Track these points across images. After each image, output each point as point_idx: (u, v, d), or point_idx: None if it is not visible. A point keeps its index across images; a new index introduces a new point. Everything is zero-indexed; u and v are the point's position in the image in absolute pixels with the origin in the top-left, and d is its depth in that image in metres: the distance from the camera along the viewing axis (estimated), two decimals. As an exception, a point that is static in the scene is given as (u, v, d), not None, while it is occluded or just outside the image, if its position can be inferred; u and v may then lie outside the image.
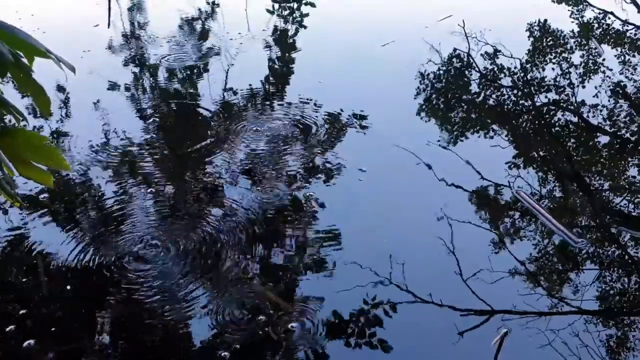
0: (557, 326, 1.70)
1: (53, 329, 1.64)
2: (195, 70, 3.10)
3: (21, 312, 1.67)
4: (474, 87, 3.05)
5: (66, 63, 0.77)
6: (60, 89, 2.81)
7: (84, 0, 4.01)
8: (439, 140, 2.56)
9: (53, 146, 0.69)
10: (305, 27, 3.79)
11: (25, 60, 0.76)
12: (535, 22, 3.81)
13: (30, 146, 0.68)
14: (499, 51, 3.36)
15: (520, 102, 2.99)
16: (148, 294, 1.73)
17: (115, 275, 1.79)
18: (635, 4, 4.25)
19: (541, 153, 2.59)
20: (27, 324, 1.64)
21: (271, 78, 3.09)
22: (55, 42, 3.12)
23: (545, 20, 3.85)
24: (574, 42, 3.62)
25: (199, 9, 3.93)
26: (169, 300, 1.71)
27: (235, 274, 1.81)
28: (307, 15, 3.98)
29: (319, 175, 2.28)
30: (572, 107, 2.91)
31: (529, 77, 3.20)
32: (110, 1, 3.78)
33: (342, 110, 2.71)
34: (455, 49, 3.36)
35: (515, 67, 3.24)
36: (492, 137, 2.64)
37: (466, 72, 3.21)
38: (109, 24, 3.54)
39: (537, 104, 2.94)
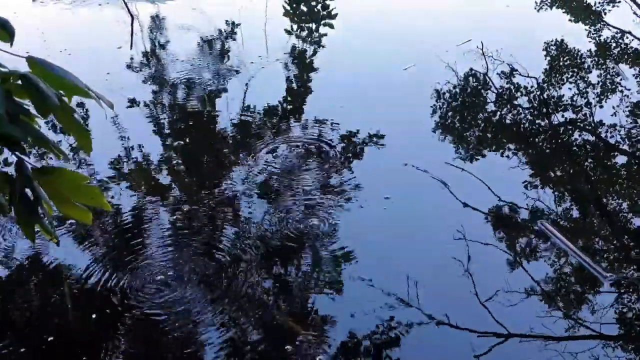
0: (575, 349, 1.70)
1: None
2: (213, 89, 3.16)
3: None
4: (492, 109, 3.07)
5: (105, 100, 0.82)
6: (79, 104, 2.86)
7: (107, 23, 4.09)
8: (456, 160, 2.58)
9: (94, 186, 0.73)
10: (323, 47, 3.83)
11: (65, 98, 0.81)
12: (552, 42, 3.83)
13: (72, 185, 0.72)
14: (515, 70, 3.38)
15: (539, 122, 2.99)
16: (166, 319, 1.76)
17: (133, 301, 1.83)
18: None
19: (560, 174, 2.59)
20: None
21: (289, 98, 3.13)
22: (81, 64, 3.23)
23: (562, 41, 3.87)
24: (592, 62, 3.63)
25: (219, 29, 4.00)
26: (187, 326, 1.74)
27: (251, 297, 1.83)
28: (325, 35, 4.02)
29: (336, 196, 2.30)
30: (590, 127, 2.91)
31: (545, 96, 3.21)
32: (133, 25, 3.86)
33: (359, 130, 2.74)
34: (473, 70, 3.38)
35: (532, 87, 3.26)
36: (509, 158, 2.65)
37: (484, 94, 3.23)
38: (131, 46, 3.61)
39: (555, 123, 2.95)
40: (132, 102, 2.97)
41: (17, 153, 0.69)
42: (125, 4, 3.90)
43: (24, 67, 0.77)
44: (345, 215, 2.17)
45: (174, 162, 2.50)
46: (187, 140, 2.69)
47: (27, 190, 0.72)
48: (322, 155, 2.57)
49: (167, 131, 2.78)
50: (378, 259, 2.01)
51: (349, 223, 2.14)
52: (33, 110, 0.74)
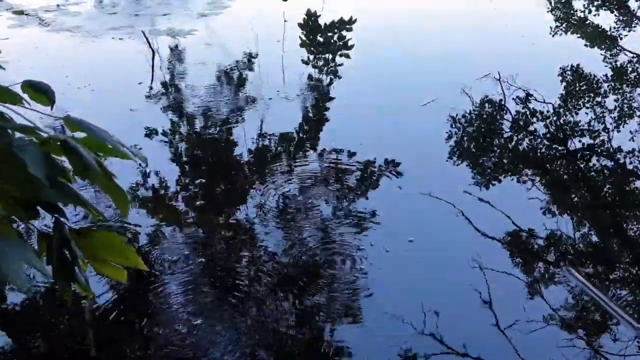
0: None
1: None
2: (231, 120, 3.20)
3: None
4: (509, 137, 3.07)
5: (139, 155, 0.84)
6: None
7: (126, 55, 4.18)
8: (474, 188, 2.57)
9: (130, 246, 0.75)
10: (339, 78, 3.88)
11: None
12: (568, 67, 3.84)
13: (108, 246, 0.74)
14: (531, 95, 3.38)
15: (557, 148, 2.98)
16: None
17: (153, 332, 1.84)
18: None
19: (580, 202, 2.57)
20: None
21: (305, 127, 3.15)
22: (104, 100, 3.30)
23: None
24: (609, 87, 3.64)
25: (236, 61, 4.06)
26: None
27: (269, 329, 1.83)
28: (341, 65, 4.07)
29: (353, 225, 2.31)
30: (608, 153, 2.90)
31: (562, 122, 3.20)
32: (154, 60, 3.94)
33: (375, 158, 2.76)
34: (488, 97, 3.39)
35: (548, 113, 3.26)
36: (529, 189, 2.64)
37: (501, 122, 3.23)
38: (152, 80, 3.68)
39: (572, 149, 2.94)
40: (152, 133, 3.02)
41: (56, 215, 0.71)
42: (147, 39, 3.99)
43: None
44: (361, 244, 2.18)
45: (192, 192, 2.53)
46: (206, 171, 2.72)
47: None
48: (339, 184, 2.58)
49: (187, 165, 2.81)
50: (395, 289, 2.00)
51: (366, 251, 2.14)
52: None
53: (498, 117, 3.30)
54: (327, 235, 2.25)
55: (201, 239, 2.25)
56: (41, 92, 0.78)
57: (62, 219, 0.73)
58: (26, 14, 5.34)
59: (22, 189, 0.66)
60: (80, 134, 0.82)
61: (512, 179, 2.72)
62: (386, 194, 2.52)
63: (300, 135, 3.08)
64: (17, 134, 0.82)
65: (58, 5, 5.66)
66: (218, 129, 3.11)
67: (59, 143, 0.72)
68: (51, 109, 0.79)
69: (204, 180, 2.64)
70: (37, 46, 4.32)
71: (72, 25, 4.82)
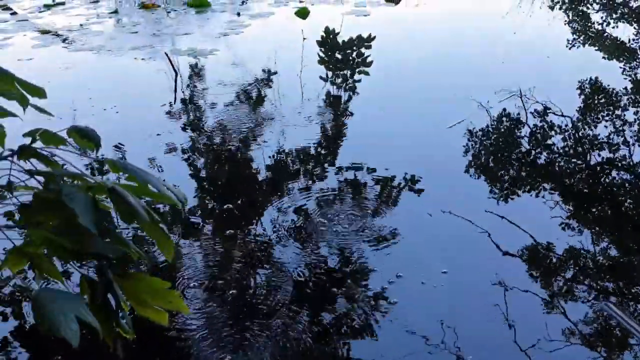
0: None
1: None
2: (251, 138, 3.23)
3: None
4: (531, 154, 3.05)
5: (179, 194, 0.86)
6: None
7: (148, 74, 4.24)
8: (495, 206, 2.56)
9: (173, 291, 0.77)
10: (357, 94, 3.89)
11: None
12: (586, 80, 3.82)
13: (151, 290, 0.76)
14: (549, 108, 3.37)
15: (583, 166, 2.97)
16: None
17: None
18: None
19: (608, 224, 2.55)
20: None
21: (324, 144, 3.17)
22: (130, 124, 3.36)
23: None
24: (628, 100, 3.61)
25: (257, 79, 4.11)
26: None
27: (287, 348, 1.84)
28: (359, 81, 4.09)
29: (374, 243, 2.31)
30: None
31: (590, 139, 3.18)
32: (176, 81, 4.00)
33: (395, 175, 2.76)
34: (507, 112, 3.39)
35: (566, 127, 3.24)
36: (552, 208, 2.62)
37: (522, 138, 3.22)
38: (174, 101, 3.73)
39: (593, 164, 2.92)
40: (176, 155, 3.05)
41: (102, 261, 0.73)
42: (170, 60, 4.05)
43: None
44: (381, 261, 2.18)
45: (212, 209, 2.55)
46: (226, 189, 2.74)
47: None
48: (358, 200, 2.59)
49: (208, 183, 2.84)
50: (413, 303, 2.00)
51: (385, 265, 2.14)
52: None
53: (520, 133, 3.29)
54: (347, 257, 2.26)
55: (218, 255, 2.27)
56: (87, 137, 0.81)
57: (106, 263, 0.75)
58: (51, 34, 5.46)
59: (72, 240, 0.69)
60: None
61: (537, 196, 2.71)
62: (407, 213, 2.52)
63: (319, 151, 3.10)
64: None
65: (81, 25, 5.78)
66: (239, 147, 3.14)
67: (106, 190, 0.75)
68: (96, 153, 0.82)
69: (223, 197, 2.66)
70: (60, 66, 4.40)
71: (94, 45, 4.91)
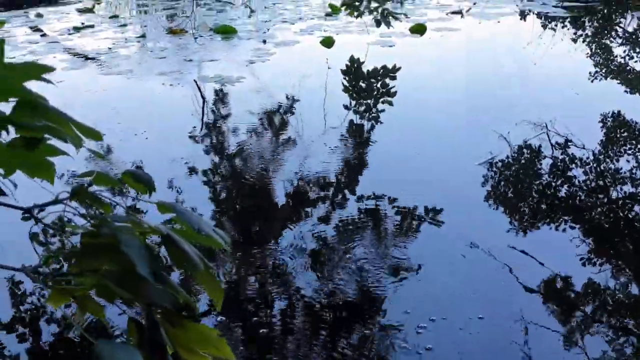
0: None
1: None
2: (271, 162, 3.25)
3: None
4: (557, 188, 3.02)
5: (222, 236, 0.86)
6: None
7: (175, 99, 4.29)
8: (519, 242, 2.53)
9: (223, 339, 0.76)
10: (380, 123, 3.89)
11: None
12: (608, 114, 3.79)
13: (200, 337, 0.75)
14: (569, 141, 3.34)
15: (610, 202, 2.93)
16: None
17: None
18: None
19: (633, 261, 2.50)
20: None
21: (345, 172, 3.16)
22: (160, 150, 3.39)
23: None
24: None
25: (280, 104, 4.14)
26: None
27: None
28: (383, 111, 4.09)
29: (394, 274, 2.28)
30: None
31: (610, 177, 3.14)
32: (204, 108, 4.04)
33: (416, 206, 2.73)
34: (530, 144, 3.37)
35: (590, 163, 3.21)
36: (578, 247, 2.58)
37: (548, 172, 3.19)
38: (202, 128, 3.76)
39: (616, 197, 2.87)
40: (202, 181, 3.07)
41: (150, 307, 0.73)
42: (199, 87, 4.11)
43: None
44: (402, 296, 2.14)
45: (232, 234, 2.55)
46: (247, 214, 2.74)
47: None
48: (379, 232, 2.57)
49: (230, 208, 2.84)
50: (431, 338, 1.96)
51: (402, 296, 2.10)
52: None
53: (542, 166, 3.26)
54: (370, 294, 2.23)
55: (236, 280, 2.26)
56: (141, 181, 0.82)
57: (156, 309, 0.75)
58: (80, 57, 5.57)
59: (128, 289, 0.69)
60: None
61: (561, 230, 2.67)
62: (432, 248, 2.49)
63: (340, 179, 3.10)
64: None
65: (109, 48, 5.90)
66: (260, 173, 3.14)
67: (160, 236, 0.75)
68: (149, 196, 0.83)
69: (241, 223, 2.66)
70: (89, 89, 4.48)
71: (123, 69, 5.00)
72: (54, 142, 0.90)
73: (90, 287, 0.78)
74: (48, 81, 0.78)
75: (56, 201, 0.78)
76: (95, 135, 0.84)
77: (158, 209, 0.89)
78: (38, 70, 0.71)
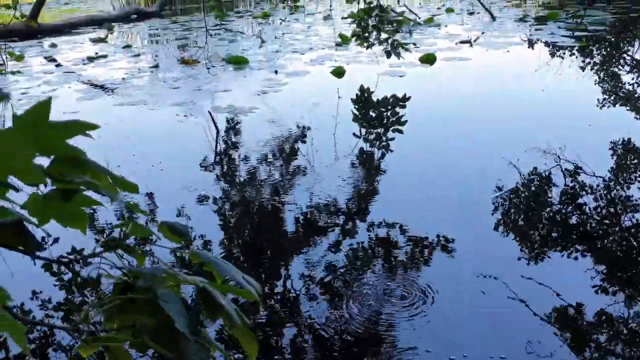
0: None
1: None
2: (282, 191, 3.26)
3: None
4: (572, 217, 3.01)
5: (255, 286, 0.87)
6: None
7: (188, 130, 4.33)
8: (533, 273, 2.51)
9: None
10: (391, 152, 3.91)
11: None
12: (619, 141, 3.79)
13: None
14: (579, 168, 3.34)
15: (629, 231, 2.91)
16: None
17: None
18: None
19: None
20: None
21: (355, 200, 3.17)
22: (175, 182, 3.42)
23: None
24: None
25: (292, 134, 4.17)
26: None
27: None
28: (392, 139, 4.11)
29: (405, 307, 2.26)
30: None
31: (621, 205, 3.13)
32: (217, 138, 4.07)
33: (428, 235, 2.72)
34: (539, 172, 3.36)
35: (600, 191, 3.20)
36: (594, 278, 2.56)
37: (562, 201, 3.19)
38: (215, 158, 3.79)
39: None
40: (216, 214, 3.08)
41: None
42: (212, 118, 4.15)
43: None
44: (418, 332, 2.12)
45: (241, 261, 2.55)
46: (255, 242, 2.74)
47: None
48: (390, 260, 2.56)
49: (239, 238, 2.85)
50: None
51: (423, 335, 2.08)
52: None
53: (553, 194, 3.26)
54: (383, 326, 2.22)
55: (246, 308, 2.25)
56: (178, 233, 0.83)
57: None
58: (94, 87, 5.65)
59: (165, 346, 0.70)
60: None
61: (573, 258, 2.66)
62: (444, 277, 2.48)
63: (351, 207, 3.10)
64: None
65: (123, 79, 5.99)
66: (271, 202, 3.16)
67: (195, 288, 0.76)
68: (186, 248, 0.84)
69: (251, 251, 2.66)
70: (104, 120, 4.53)
71: (137, 100, 5.07)
72: (89, 191, 0.92)
73: (124, 341, 0.78)
74: (89, 136, 0.81)
75: (94, 254, 0.80)
76: (132, 188, 0.85)
77: (190, 257, 0.90)
78: (82, 128, 0.74)
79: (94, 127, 0.75)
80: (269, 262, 2.66)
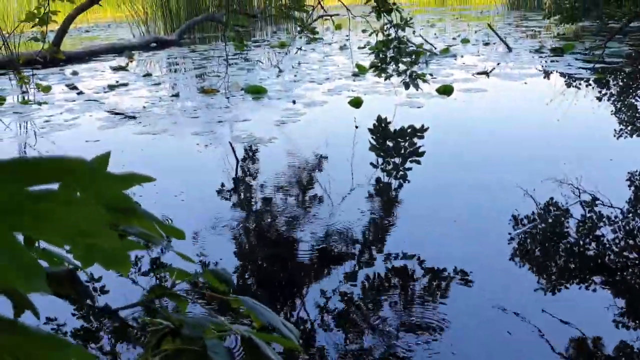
0: None
1: None
2: (297, 218, 3.27)
3: None
4: (593, 249, 2.98)
5: (293, 331, 0.88)
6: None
7: (210, 164, 4.38)
8: (552, 306, 2.48)
9: None
10: (408, 182, 3.91)
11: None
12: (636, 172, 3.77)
13: None
14: (596, 199, 3.31)
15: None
16: None
17: None
18: None
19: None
20: None
21: (372, 229, 3.16)
22: (197, 214, 3.45)
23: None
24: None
25: (310, 164, 4.20)
26: None
27: None
28: (410, 169, 4.12)
29: (422, 341, 2.24)
30: None
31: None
32: (237, 169, 4.12)
33: (445, 267, 2.69)
34: (557, 203, 3.35)
35: (618, 222, 3.17)
36: (619, 315, 2.53)
37: (582, 233, 3.17)
38: (235, 189, 3.82)
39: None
40: (238, 250, 3.09)
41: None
42: (233, 148, 4.20)
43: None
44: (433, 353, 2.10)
45: (257, 291, 2.55)
46: (270, 272, 2.75)
47: None
48: (407, 292, 2.54)
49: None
50: None
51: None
52: None
53: (570, 225, 3.24)
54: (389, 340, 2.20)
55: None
56: (223, 280, 0.85)
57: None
58: (116, 115, 5.75)
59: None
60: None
61: (591, 290, 2.63)
62: (458, 307, 2.46)
63: (367, 237, 3.10)
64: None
65: (144, 107, 6.09)
66: (289, 232, 3.17)
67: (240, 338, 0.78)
68: (228, 296, 0.86)
69: (266, 280, 2.65)
70: (126, 149, 4.60)
71: (158, 129, 5.15)
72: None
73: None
74: (142, 185, 0.83)
75: (140, 303, 0.81)
76: (179, 234, 0.88)
77: (231, 303, 0.92)
78: (138, 180, 0.76)
79: (149, 179, 0.78)
80: (284, 292, 2.66)
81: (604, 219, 3.28)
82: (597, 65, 7.19)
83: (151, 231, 0.87)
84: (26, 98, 6.63)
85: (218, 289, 0.85)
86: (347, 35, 12.46)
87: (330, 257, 2.91)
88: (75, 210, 0.46)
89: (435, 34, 12.05)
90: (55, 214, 0.45)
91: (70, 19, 10.26)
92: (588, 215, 3.30)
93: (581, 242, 3.20)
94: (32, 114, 5.94)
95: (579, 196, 3.54)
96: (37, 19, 4.30)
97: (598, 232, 3.21)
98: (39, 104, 6.29)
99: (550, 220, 3.38)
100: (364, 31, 13.12)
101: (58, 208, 0.44)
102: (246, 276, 2.79)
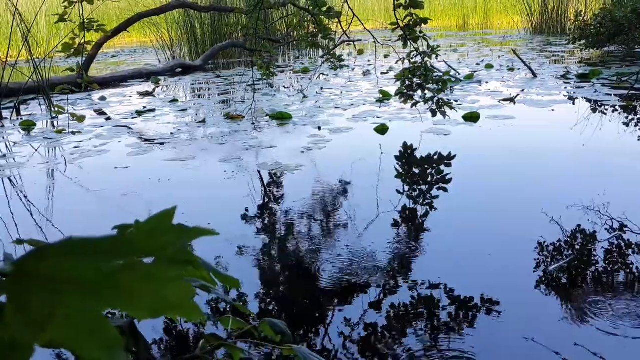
0: None
1: None
2: (322, 245, 3.25)
3: None
4: (622, 276, 2.92)
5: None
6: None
7: (237, 192, 4.40)
8: (583, 339, 2.42)
9: None
10: (435, 209, 3.88)
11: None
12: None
13: None
14: (625, 226, 3.25)
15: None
16: None
17: None
18: None
19: None
20: None
21: (397, 256, 3.13)
22: (222, 243, 3.46)
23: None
24: None
25: (337, 191, 4.20)
26: None
27: None
28: (436, 197, 4.09)
29: None
30: None
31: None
32: (264, 199, 4.13)
33: (472, 296, 2.65)
34: (592, 239, 3.29)
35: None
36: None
37: (609, 260, 3.10)
38: (260, 216, 3.83)
39: None
40: (265, 277, 3.08)
41: None
42: (261, 177, 4.22)
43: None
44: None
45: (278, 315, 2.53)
46: (294, 298, 2.72)
47: None
48: (432, 322, 2.50)
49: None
50: None
51: None
52: None
53: (602, 253, 3.17)
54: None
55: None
56: (280, 332, 0.84)
57: None
58: (144, 141, 5.83)
59: None
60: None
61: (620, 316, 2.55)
62: (486, 338, 2.41)
63: (392, 265, 3.07)
64: None
65: (172, 134, 6.17)
66: (314, 259, 3.14)
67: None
68: (283, 345, 0.85)
69: (289, 307, 2.63)
70: (155, 176, 4.65)
71: (186, 155, 5.21)
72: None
73: None
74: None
75: (198, 357, 0.81)
76: (234, 283, 0.88)
77: (284, 352, 0.91)
78: (202, 233, 0.76)
79: (213, 233, 0.78)
80: (307, 319, 2.63)
81: (633, 246, 3.20)
82: (626, 92, 7.11)
83: (207, 280, 0.87)
84: (56, 126, 6.77)
85: (274, 339, 0.85)
86: (369, 60, 12.56)
87: (353, 282, 2.87)
88: (168, 287, 0.46)
89: (458, 59, 12.06)
90: (148, 290, 0.45)
91: (98, 47, 10.50)
92: (625, 250, 3.23)
93: (608, 268, 3.13)
94: (61, 140, 6.05)
95: (617, 229, 3.48)
96: (73, 50, 4.40)
97: (628, 260, 3.15)
98: (73, 133, 6.41)
99: (583, 251, 3.31)
100: (386, 56, 13.20)
101: (151, 286, 0.45)
102: (268, 301, 2.78)
